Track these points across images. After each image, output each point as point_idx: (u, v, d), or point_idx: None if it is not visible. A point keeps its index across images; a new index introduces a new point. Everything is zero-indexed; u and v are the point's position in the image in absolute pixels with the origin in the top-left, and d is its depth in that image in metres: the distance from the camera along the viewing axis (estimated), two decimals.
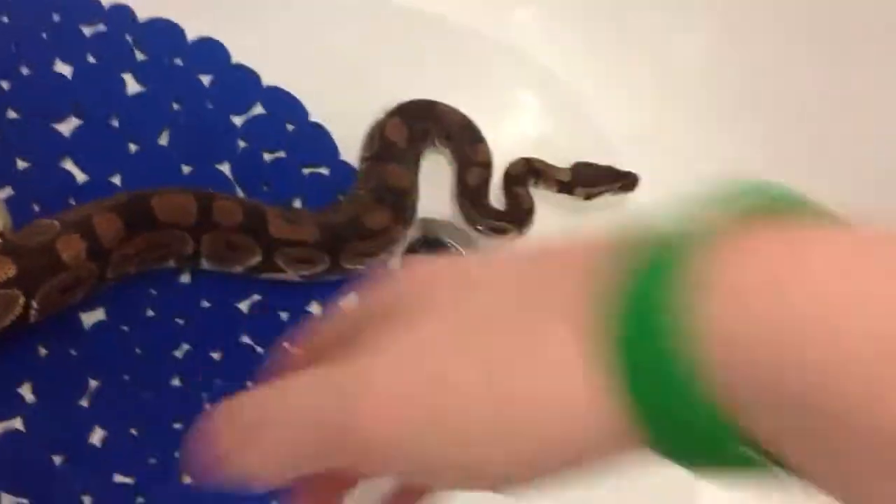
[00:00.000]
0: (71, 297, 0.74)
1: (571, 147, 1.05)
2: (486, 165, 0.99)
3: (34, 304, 0.71)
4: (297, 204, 0.92)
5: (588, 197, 1.00)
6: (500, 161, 1.00)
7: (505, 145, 1.02)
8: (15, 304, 0.70)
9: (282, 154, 0.93)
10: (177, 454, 0.74)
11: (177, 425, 0.76)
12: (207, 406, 0.78)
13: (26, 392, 0.74)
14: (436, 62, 1.07)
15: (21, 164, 0.82)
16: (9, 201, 0.79)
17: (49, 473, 0.72)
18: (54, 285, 0.72)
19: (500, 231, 0.97)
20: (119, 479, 0.73)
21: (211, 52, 0.95)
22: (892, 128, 0.95)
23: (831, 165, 0.98)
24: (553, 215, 1.00)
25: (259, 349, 0.82)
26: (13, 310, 0.70)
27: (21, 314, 0.70)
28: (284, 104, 0.96)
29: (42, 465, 0.72)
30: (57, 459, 0.72)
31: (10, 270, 0.69)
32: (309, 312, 0.86)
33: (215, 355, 0.81)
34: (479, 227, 0.97)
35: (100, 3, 0.92)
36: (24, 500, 0.70)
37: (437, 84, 1.03)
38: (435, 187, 0.99)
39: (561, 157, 1.02)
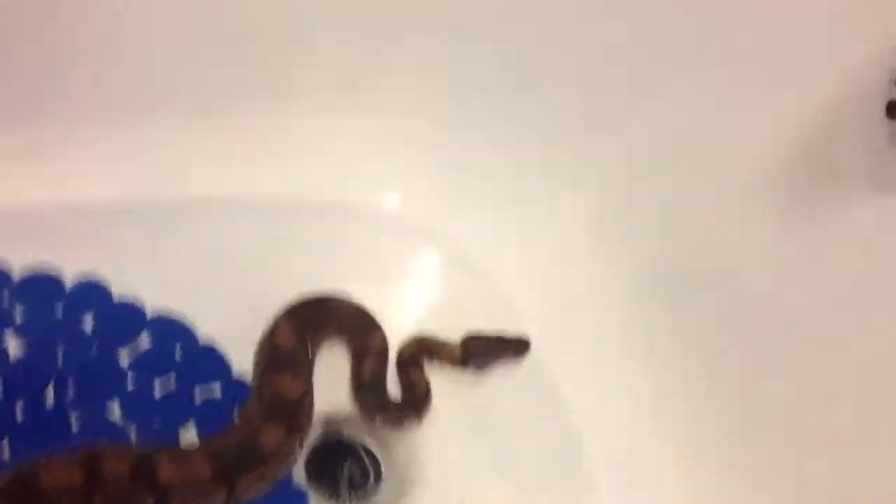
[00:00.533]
0: None
1: (468, 308, 1.06)
2: (382, 353, 0.99)
3: None
4: (192, 429, 0.92)
5: (481, 370, 1.00)
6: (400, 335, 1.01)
7: (402, 318, 1.03)
8: None
9: (172, 382, 0.94)
10: None
11: None
12: None
13: None
14: (323, 251, 1.08)
15: None
16: None
17: None
18: None
19: (399, 420, 0.97)
20: None
21: (90, 292, 0.96)
22: None
23: None
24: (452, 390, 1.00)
25: None
26: None
27: None
28: (171, 330, 0.97)
29: None
30: None
31: None
32: None
33: None
34: (378, 420, 0.97)
35: None
36: None
37: (326, 272, 1.04)
38: (336, 377, 0.99)
39: (459, 320, 1.03)
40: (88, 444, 0.84)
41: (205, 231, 1.05)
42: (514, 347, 0.99)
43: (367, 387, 0.97)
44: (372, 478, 0.95)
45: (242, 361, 0.97)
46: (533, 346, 1.00)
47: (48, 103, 1.02)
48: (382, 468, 0.96)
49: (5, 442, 0.87)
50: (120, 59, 1.01)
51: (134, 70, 1.03)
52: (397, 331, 1.01)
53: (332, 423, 0.97)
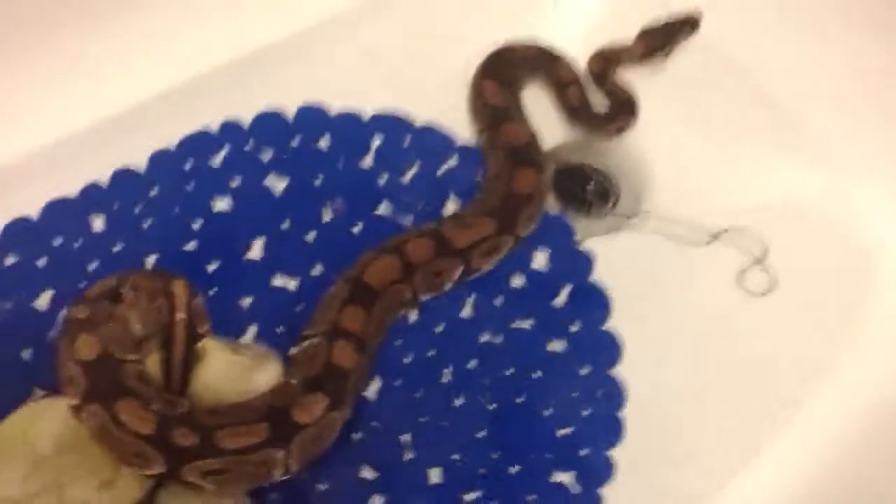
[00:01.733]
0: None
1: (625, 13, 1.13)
2: (576, 79, 1.09)
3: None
4: (451, 201, 1.04)
5: (666, 57, 1.09)
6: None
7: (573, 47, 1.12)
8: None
9: (415, 169, 1.06)
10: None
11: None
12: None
13: None
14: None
15: None
16: None
17: None
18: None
19: (620, 129, 1.08)
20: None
21: (313, 117, 1.07)
22: None
23: None
24: (647, 85, 1.10)
25: None
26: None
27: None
28: (392, 125, 1.08)
29: None
30: None
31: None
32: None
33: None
34: (600, 135, 1.08)
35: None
36: None
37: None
38: (541, 117, 1.09)
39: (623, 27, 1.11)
40: (390, 239, 0.98)
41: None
42: (688, 25, 1.07)
43: (580, 111, 1.08)
44: (612, 189, 1.07)
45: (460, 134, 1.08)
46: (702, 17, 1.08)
47: None
48: (617, 179, 1.08)
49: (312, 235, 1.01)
50: None
51: None
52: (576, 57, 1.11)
53: (560, 157, 1.09)
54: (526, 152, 1.03)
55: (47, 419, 0.82)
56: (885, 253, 1.03)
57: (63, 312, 0.90)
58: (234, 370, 0.88)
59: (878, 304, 1.01)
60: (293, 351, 0.91)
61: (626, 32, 1.11)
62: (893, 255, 1.03)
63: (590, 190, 1.07)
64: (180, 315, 0.88)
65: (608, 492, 0.91)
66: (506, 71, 1.09)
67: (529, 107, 1.10)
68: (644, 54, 1.09)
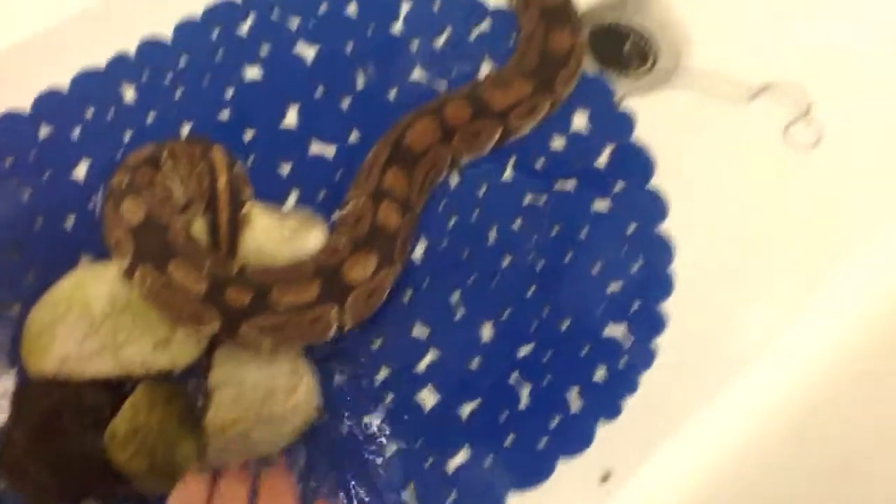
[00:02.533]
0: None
1: None
2: None
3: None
4: (484, 67, 1.02)
5: None
6: None
7: None
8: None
9: (447, 34, 1.03)
10: None
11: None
12: None
13: None
14: None
15: None
16: None
17: None
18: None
19: None
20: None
21: None
22: None
23: None
24: None
25: None
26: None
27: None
28: None
29: None
30: None
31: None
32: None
33: None
34: None
35: None
36: None
37: None
38: None
39: None
40: (427, 102, 0.96)
41: None
42: None
43: None
44: (650, 47, 1.05)
45: None
46: None
47: None
48: (655, 36, 1.05)
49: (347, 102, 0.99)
50: None
51: None
52: None
53: (596, 14, 1.06)
54: (561, 12, 1.01)
55: (99, 282, 0.81)
56: None
57: (105, 181, 0.88)
58: (281, 232, 0.87)
59: None
60: (338, 214, 0.90)
61: None
62: None
63: (627, 49, 1.04)
64: (222, 178, 0.87)
65: (660, 343, 0.91)
66: None
67: None
68: None
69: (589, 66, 1.03)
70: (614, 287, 0.93)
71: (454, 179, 0.97)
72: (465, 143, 0.95)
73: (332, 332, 0.83)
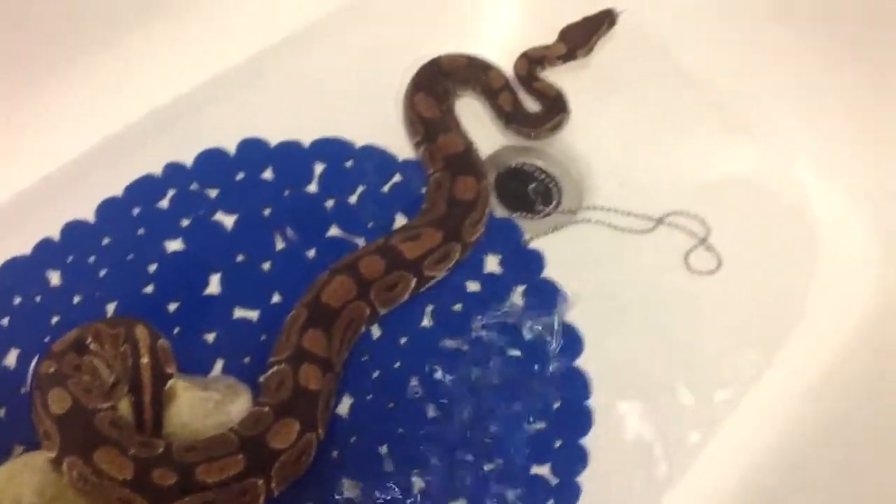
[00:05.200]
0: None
1: (545, 21, 1.17)
2: (507, 85, 1.12)
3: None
4: (399, 214, 1.07)
5: (588, 52, 1.13)
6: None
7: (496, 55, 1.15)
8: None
9: (363, 189, 1.08)
10: None
11: None
12: None
13: None
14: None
15: None
16: None
17: None
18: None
19: (555, 127, 1.11)
20: None
21: (254, 148, 1.09)
22: None
23: None
24: (574, 83, 1.14)
25: None
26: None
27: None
28: (332, 148, 1.10)
29: None
30: None
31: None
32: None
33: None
34: (535, 135, 1.11)
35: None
36: None
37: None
38: (477, 124, 1.13)
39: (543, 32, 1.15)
40: (342, 259, 1.00)
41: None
42: (605, 19, 1.11)
43: (513, 116, 1.11)
44: (554, 187, 1.10)
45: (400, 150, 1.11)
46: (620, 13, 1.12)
47: None
48: (558, 177, 1.11)
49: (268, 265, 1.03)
50: None
51: None
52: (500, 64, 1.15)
53: (502, 162, 1.12)
54: (464, 160, 1.06)
55: (28, 474, 0.83)
56: (823, 223, 1.08)
57: (32, 368, 0.91)
58: (205, 406, 0.89)
59: (821, 272, 1.05)
60: (261, 379, 0.93)
61: (544, 38, 1.14)
62: (831, 225, 1.07)
63: (532, 190, 1.09)
64: (144, 359, 0.90)
65: (585, 479, 0.94)
66: (436, 82, 1.12)
67: (464, 115, 1.13)
68: (567, 52, 1.12)
69: (497, 209, 1.08)
70: (538, 426, 0.96)
71: (376, 331, 1.00)
72: (381, 296, 0.98)
73: (262, 500, 0.85)
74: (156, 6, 1.09)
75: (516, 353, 1.00)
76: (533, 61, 1.13)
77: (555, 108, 1.12)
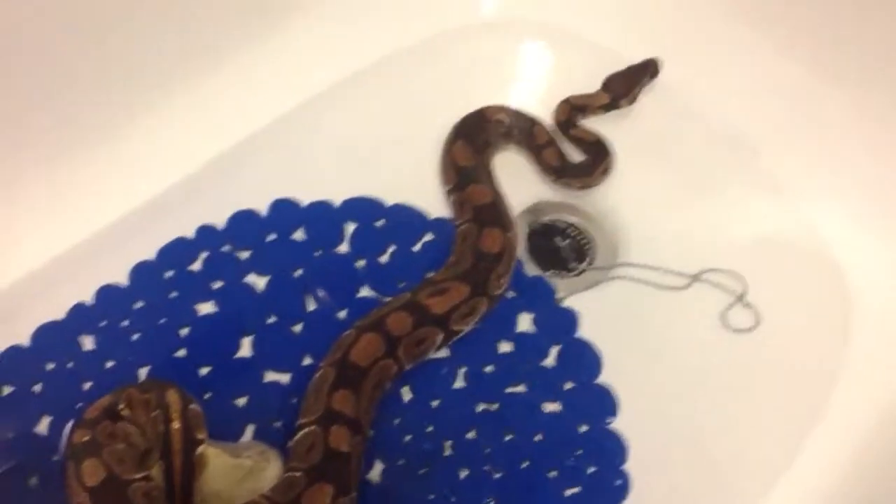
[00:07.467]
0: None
1: (586, 72, 1.17)
2: (552, 141, 1.12)
3: None
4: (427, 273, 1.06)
5: (631, 102, 1.12)
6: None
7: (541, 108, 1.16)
8: None
9: (392, 247, 1.08)
10: None
11: None
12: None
13: None
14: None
15: None
16: None
17: None
18: None
19: (605, 171, 1.11)
20: None
21: (287, 209, 1.09)
22: None
23: None
24: (614, 129, 1.13)
25: None
26: None
27: None
28: (363, 208, 1.10)
29: None
30: None
31: None
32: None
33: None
34: (587, 184, 1.11)
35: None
36: None
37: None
38: (516, 179, 1.13)
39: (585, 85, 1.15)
40: (367, 316, 0.99)
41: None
42: (648, 69, 1.11)
43: (562, 169, 1.11)
44: (588, 244, 1.09)
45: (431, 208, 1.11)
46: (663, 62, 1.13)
47: None
48: (591, 233, 1.10)
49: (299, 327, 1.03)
50: None
51: None
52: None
53: (537, 215, 1.11)
54: (491, 211, 1.05)
55: None
56: (860, 277, 1.05)
57: (64, 437, 0.91)
58: (236, 473, 0.88)
59: (860, 327, 1.02)
60: (290, 443, 0.92)
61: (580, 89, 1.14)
62: (867, 279, 1.05)
63: (565, 247, 1.08)
64: (175, 425, 0.89)
65: None
66: (478, 132, 1.12)
67: (503, 168, 1.12)
68: (611, 102, 1.13)
69: (530, 267, 1.07)
70: (573, 491, 0.94)
71: (407, 394, 0.99)
72: (408, 353, 0.97)
73: None
74: (181, 73, 1.10)
75: (552, 411, 0.98)
76: (574, 108, 1.13)
77: (600, 153, 1.11)
